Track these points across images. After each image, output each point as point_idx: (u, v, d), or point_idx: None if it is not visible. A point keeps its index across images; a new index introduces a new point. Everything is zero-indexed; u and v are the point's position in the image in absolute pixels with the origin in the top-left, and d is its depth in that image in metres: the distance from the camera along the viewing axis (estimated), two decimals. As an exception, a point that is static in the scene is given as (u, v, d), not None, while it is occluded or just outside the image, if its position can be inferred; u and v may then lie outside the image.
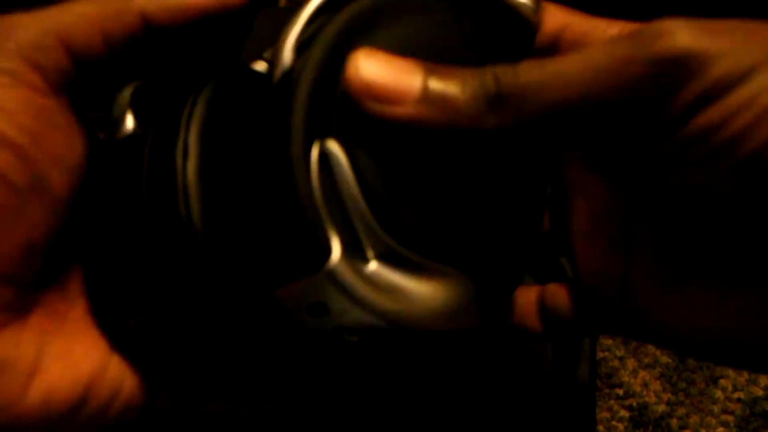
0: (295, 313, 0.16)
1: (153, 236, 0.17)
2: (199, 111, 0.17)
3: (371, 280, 0.16)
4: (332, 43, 0.17)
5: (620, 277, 0.20)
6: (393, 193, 0.17)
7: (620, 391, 0.48)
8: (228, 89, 0.18)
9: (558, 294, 0.22)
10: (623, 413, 0.47)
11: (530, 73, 0.17)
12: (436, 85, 0.17)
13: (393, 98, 0.17)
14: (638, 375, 0.49)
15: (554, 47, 0.20)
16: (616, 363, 0.50)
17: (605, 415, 0.47)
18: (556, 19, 0.20)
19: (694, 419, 0.46)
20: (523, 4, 0.20)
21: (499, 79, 0.17)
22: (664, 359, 0.49)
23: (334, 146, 0.16)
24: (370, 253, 0.16)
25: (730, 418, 0.46)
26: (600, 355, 0.49)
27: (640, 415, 0.47)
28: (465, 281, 0.18)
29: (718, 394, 0.47)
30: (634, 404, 0.47)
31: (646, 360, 0.50)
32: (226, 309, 0.17)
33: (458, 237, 0.18)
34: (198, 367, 0.18)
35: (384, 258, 0.16)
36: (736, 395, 0.47)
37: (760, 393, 0.46)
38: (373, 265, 0.16)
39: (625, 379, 0.49)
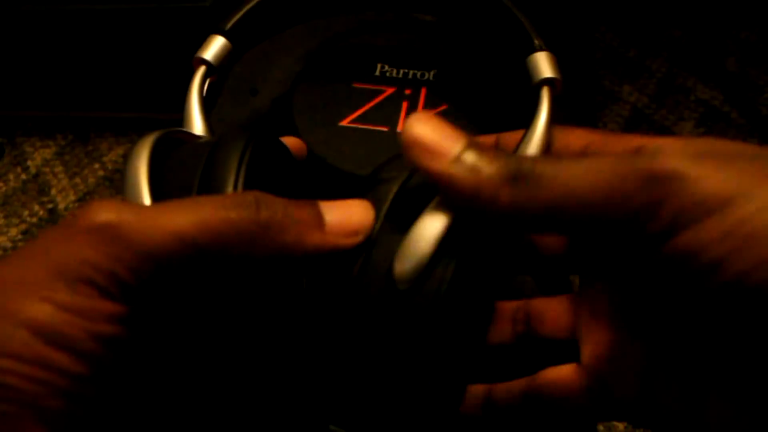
0: None
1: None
2: None
3: None
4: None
5: (640, 371, 0.22)
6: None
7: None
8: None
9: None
10: (627, 410, 0.48)
11: (546, 165, 0.19)
12: (470, 155, 0.20)
13: (434, 155, 0.20)
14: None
15: None
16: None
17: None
18: (580, 139, 0.24)
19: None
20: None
21: (521, 164, 0.19)
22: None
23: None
24: None
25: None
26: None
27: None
28: None
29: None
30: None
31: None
32: None
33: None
34: None
35: None
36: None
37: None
38: None
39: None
